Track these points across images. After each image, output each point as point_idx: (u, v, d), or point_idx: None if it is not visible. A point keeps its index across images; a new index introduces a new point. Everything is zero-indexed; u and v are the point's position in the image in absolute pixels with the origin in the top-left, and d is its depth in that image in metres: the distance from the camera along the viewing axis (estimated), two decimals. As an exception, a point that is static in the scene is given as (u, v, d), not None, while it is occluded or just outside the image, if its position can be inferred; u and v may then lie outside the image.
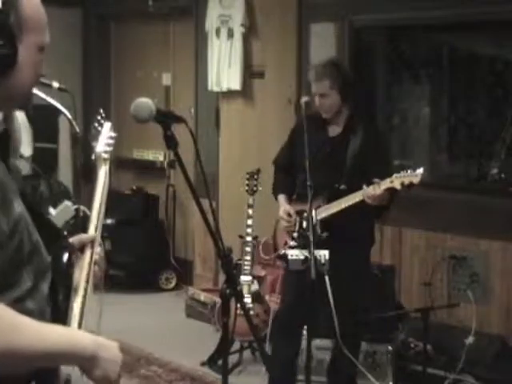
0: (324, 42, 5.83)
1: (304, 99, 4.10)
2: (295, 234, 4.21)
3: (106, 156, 2.11)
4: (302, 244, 4.12)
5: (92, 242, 1.97)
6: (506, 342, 4.85)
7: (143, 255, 7.08)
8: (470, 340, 4.75)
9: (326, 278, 3.73)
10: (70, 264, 1.73)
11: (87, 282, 1.84)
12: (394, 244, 5.50)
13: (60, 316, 1.68)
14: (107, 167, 2.11)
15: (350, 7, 5.67)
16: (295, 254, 3.67)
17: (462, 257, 5.13)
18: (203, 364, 5.16)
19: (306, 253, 3.54)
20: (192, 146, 2.30)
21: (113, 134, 2.20)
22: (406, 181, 3.83)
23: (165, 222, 7.42)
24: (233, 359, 5.08)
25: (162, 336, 5.82)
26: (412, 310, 4.77)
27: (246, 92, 6.39)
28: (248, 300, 5.12)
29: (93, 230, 2.01)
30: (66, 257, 1.70)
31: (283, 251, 4.21)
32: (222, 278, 6.33)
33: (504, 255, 4.97)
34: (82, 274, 1.86)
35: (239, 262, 5.20)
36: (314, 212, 4.15)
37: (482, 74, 5.49)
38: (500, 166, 5.20)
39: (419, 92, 5.88)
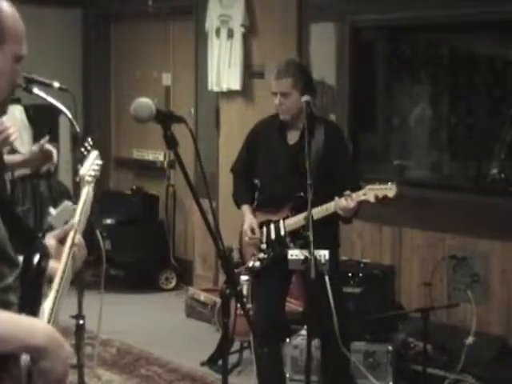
0: (324, 42, 5.83)
1: (304, 99, 4.06)
2: (263, 246, 4.13)
3: (89, 179, 2.15)
4: (272, 255, 4.09)
5: (74, 229, 1.98)
6: (506, 342, 4.85)
7: (143, 255, 7.07)
8: (469, 340, 4.75)
9: (326, 277, 3.72)
10: (41, 264, 1.73)
11: (64, 271, 1.84)
12: (394, 244, 5.50)
13: (31, 309, 1.67)
14: (90, 188, 2.15)
15: (350, 7, 5.67)
16: (295, 254, 3.66)
17: (462, 257, 5.12)
18: (203, 364, 5.16)
19: (305, 253, 3.52)
20: (192, 146, 2.30)
21: (99, 162, 2.24)
22: (380, 194, 3.76)
23: (165, 222, 7.41)
24: (233, 359, 5.08)
25: (162, 336, 5.81)
26: (412, 310, 4.78)
27: (246, 92, 6.39)
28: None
29: (76, 219, 2.03)
30: (36, 257, 1.72)
31: (252, 263, 4.17)
32: (222, 278, 6.33)
33: (504, 255, 4.97)
34: (60, 261, 1.87)
35: (239, 261, 5.20)
36: (281, 223, 4.11)
37: (481, 73, 5.49)
38: (500, 165, 5.20)
39: (419, 92, 5.88)
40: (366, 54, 5.85)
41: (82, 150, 2.57)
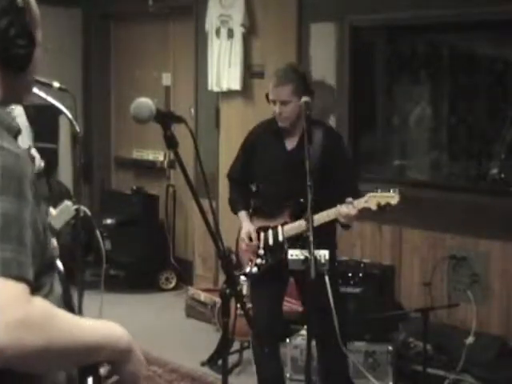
0: (324, 42, 5.83)
1: (304, 99, 4.03)
2: (261, 252, 4.10)
3: None
4: (270, 261, 4.06)
5: None
6: (506, 341, 4.85)
7: (143, 255, 7.08)
8: (469, 340, 4.75)
9: (326, 277, 3.72)
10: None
11: None
12: (394, 244, 5.50)
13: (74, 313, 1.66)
14: None
15: (350, 7, 5.67)
16: (295, 254, 3.66)
17: (462, 257, 5.12)
18: (203, 364, 5.16)
19: (305, 253, 3.52)
20: (192, 146, 2.30)
21: None
22: (383, 201, 3.72)
23: (165, 222, 7.41)
24: (233, 359, 5.08)
25: (162, 336, 5.82)
26: (412, 310, 4.77)
27: (246, 92, 6.39)
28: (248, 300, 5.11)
29: None
30: (60, 263, 1.71)
31: (249, 269, 4.14)
32: (222, 278, 6.33)
33: (504, 255, 4.97)
34: None
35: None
36: (280, 228, 4.07)
37: (481, 73, 5.49)
38: (500, 165, 5.20)
39: (419, 92, 5.88)
40: (366, 54, 5.85)
41: None
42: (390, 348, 4.74)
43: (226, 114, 6.62)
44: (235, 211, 4.30)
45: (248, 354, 5.25)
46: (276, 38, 6.20)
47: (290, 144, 4.08)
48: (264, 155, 4.10)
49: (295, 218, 3.98)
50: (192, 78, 6.98)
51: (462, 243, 5.15)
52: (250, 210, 4.25)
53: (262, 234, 4.11)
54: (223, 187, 6.58)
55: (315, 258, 3.44)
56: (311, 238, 3.49)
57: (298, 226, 3.92)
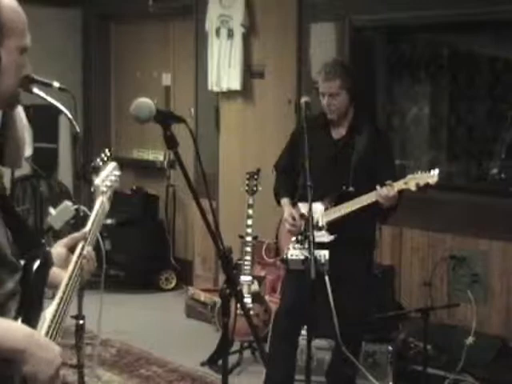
0: (324, 42, 5.83)
1: (304, 99, 4.07)
2: (300, 237, 4.18)
3: (104, 189, 2.15)
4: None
5: (84, 238, 1.97)
6: (506, 342, 4.85)
7: (143, 255, 7.07)
8: (470, 340, 4.75)
9: (326, 277, 3.73)
10: (40, 271, 1.72)
11: (69, 281, 1.82)
12: (394, 244, 5.50)
13: (27, 315, 1.66)
14: (104, 198, 2.15)
15: (350, 7, 5.67)
16: (295, 254, 3.67)
17: (462, 257, 5.13)
18: (203, 364, 5.16)
19: (306, 253, 3.53)
20: (192, 146, 2.30)
21: (118, 173, 2.22)
22: (422, 182, 3.83)
23: (165, 222, 7.41)
24: (233, 359, 5.08)
25: (162, 336, 5.82)
26: (412, 310, 4.77)
27: (246, 92, 6.39)
28: (248, 300, 5.12)
29: (87, 228, 2.02)
30: (36, 264, 1.70)
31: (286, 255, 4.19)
32: (222, 278, 6.33)
33: (504, 255, 4.97)
34: (67, 271, 1.85)
35: (239, 261, 5.20)
36: (320, 214, 4.15)
37: (481, 73, 5.49)
38: (500, 165, 5.20)
39: (419, 92, 5.88)
40: (366, 54, 5.85)
41: (98, 160, 2.59)
42: (390, 348, 4.74)
43: (226, 113, 6.61)
44: (278, 199, 4.39)
45: (248, 354, 5.26)
46: (276, 38, 6.19)
47: (337, 133, 4.22)
48: (310, 144, 4.16)
49: (337, 204, 4.08)
50: (192, 78, 6.98)
51: (462, 243, 5.15)
52: (295, 200, 4.31)
53: (303, 221, 4.18)
54: (223, 187, 6.58)
55: (315, 258, 3.45)
56: (311, 238, 3.50)
57: (339, 209, 4.04)
